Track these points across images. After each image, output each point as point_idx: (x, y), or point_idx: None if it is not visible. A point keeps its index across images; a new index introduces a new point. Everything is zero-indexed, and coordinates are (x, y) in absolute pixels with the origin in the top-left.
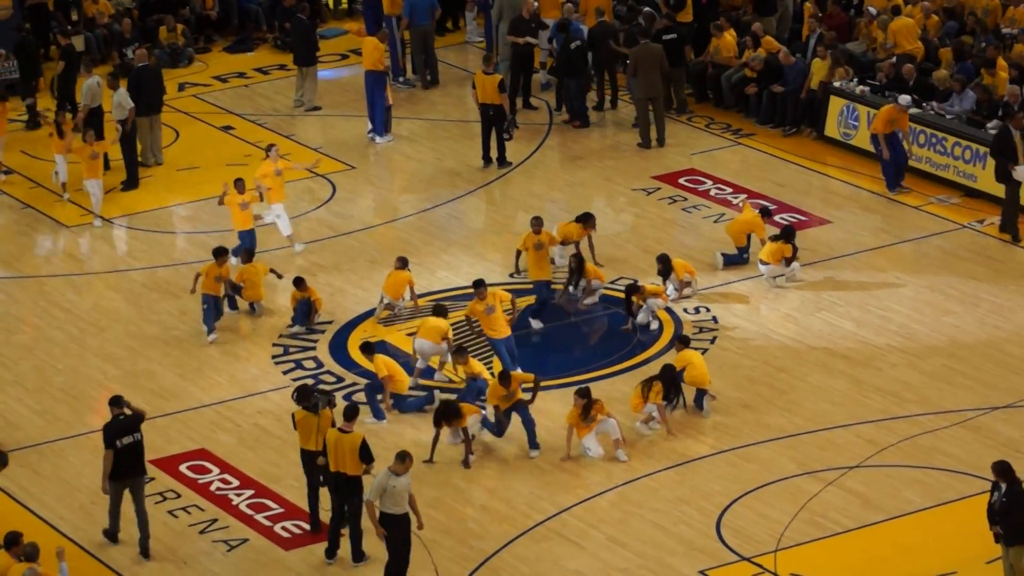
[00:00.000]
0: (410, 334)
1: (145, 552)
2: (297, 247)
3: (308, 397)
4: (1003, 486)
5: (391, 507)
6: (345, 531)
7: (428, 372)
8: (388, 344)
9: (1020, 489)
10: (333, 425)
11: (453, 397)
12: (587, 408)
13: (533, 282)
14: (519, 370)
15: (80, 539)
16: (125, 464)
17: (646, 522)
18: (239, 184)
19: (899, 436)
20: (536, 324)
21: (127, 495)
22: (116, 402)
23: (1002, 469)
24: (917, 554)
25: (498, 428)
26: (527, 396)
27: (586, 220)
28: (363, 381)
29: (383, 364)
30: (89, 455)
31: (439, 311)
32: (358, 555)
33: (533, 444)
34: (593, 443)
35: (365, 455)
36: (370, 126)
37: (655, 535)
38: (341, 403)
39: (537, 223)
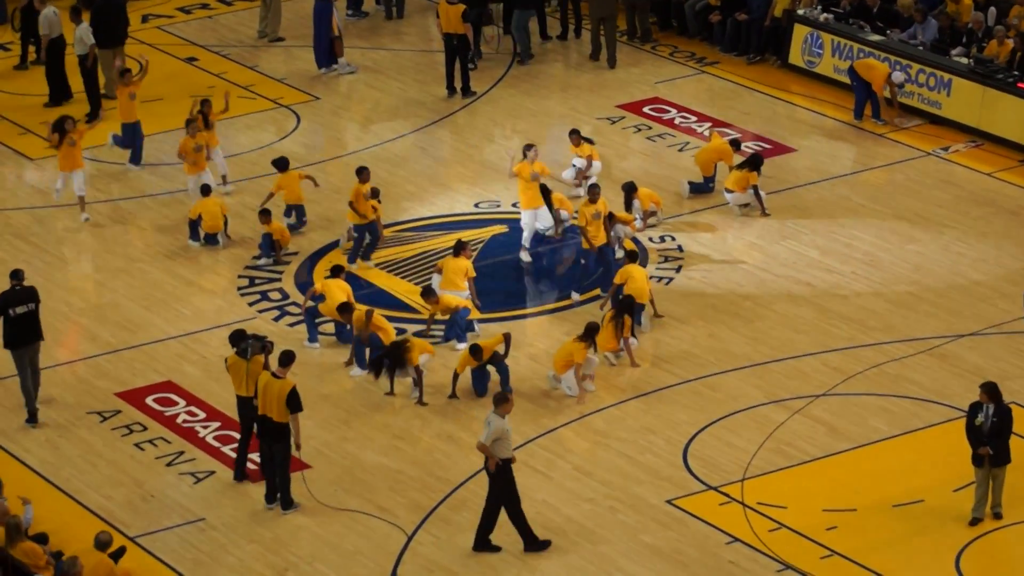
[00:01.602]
0: (377, 265)
1: (32, 417)
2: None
3: (239, 342)
4: (990, 407)
5: (504, 452)
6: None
7: (469, 324)
8: (354, 275)
9: (1008, 409)
10: (267, 368)
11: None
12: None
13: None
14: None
15: (46, 472)
16: (21, 332)
17: (612, 452)
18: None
19: (865, 364)
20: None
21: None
22: (15, 275)
23: (991, 390)
24: (884, 482)
25: (480, 386)
26: (501, 349)
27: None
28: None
29: (332, 287)
30: (56, 389)
31: (459, 248)
32: (287, 503)
33: (508, 391)
34: (573, 381)
35: (293, 403)
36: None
37: (621, 465)
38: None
39: (594, 192)
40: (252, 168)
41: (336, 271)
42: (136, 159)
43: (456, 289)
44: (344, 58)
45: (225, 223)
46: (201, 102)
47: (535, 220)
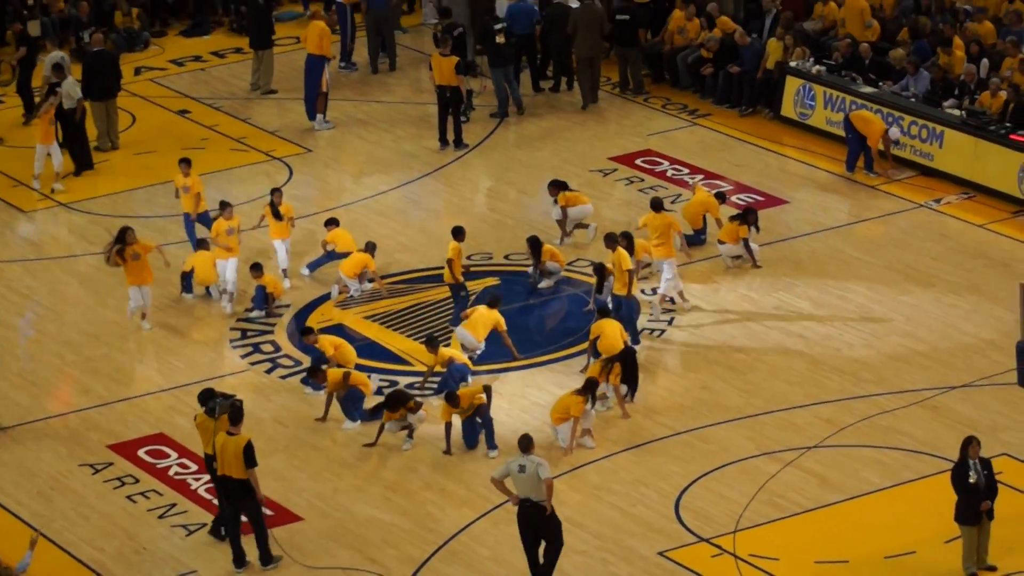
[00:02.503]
0: (369, 317)
1: None
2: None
3: (207, 400)
4: (978, 462)
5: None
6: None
7: (463, 377)
8: (345, 328)
9: (988, 460)
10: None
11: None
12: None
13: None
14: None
15: (39, 524)
16: None
17: (605, 504)
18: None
19: (857, 416)
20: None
21: None
22: None
23: (978, 444)
24: (876, 534)
25: (470, 439)
26: (482, 399)
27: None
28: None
29: (328, 343)
30: (49, 441)
31: (495, 302)
32: (266, 558)
33: (491, 445)
34: (567, 433)
35: (249, 459)
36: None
37: (614, 517)
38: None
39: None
40: (245, 221)
41: (306, 331)
42: None
43: (477, 338)
44: (323, 115)
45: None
46: (272, 191)
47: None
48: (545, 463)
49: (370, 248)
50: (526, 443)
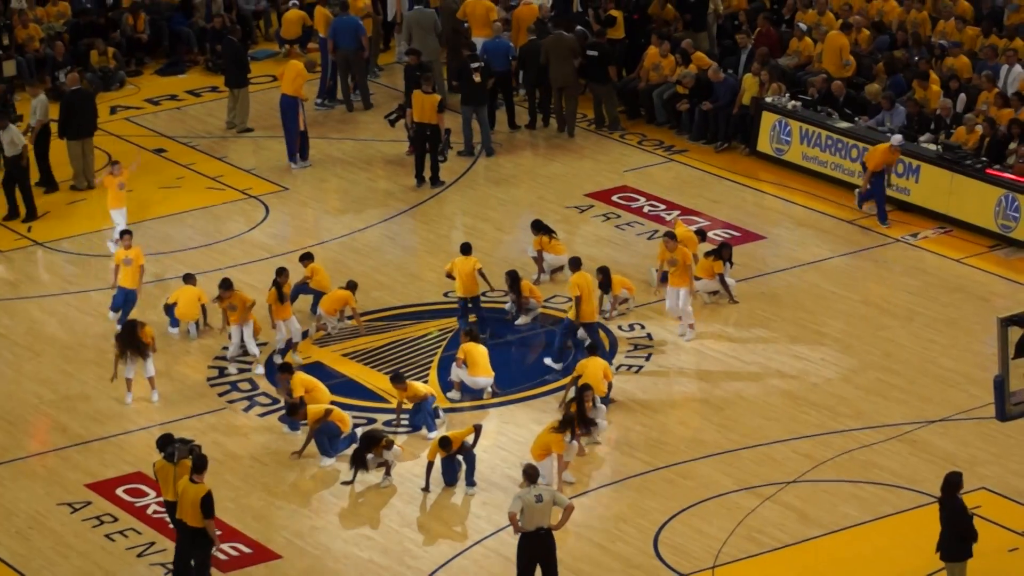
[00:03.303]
0: (347, 355)
1: None
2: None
3: (165, 446)
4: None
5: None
6: None
7: (435, 411)
8: (323, 365)
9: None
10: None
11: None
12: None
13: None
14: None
15: (17, 564)
16: None
17: (583, 540)
18: None
19: (835, 451)
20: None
21: None
22: None
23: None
24: (854, 569)
25: (449, 476)
26: (470, 440)
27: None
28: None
29: (300, 383)
30: (26, 480)
31: (475, 336)
32: None
33: (470, 482)
34: (548, 468)
35: (206, 509)
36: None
37: (592, 553)
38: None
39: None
40: (220, 259)
41: (283, 368)
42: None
43: (486, 375)
44: (299, 155)
45: (204, 313)
46: (277, 271)
47: None
48: (556, 490)
49: (351, 287)
50: (533, 472)
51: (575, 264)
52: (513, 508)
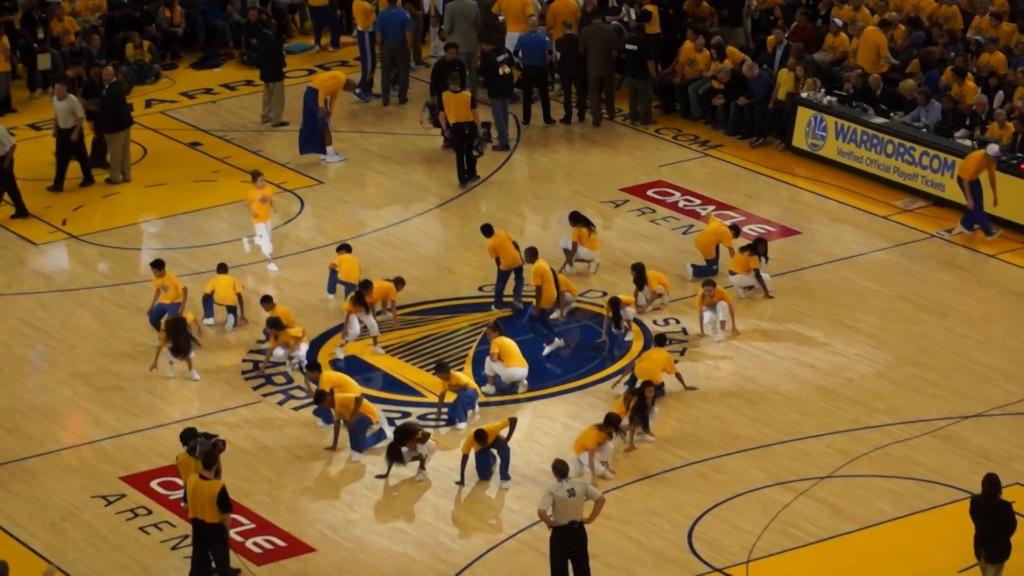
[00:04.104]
0: (388, 349)
1: None
2: (272, 268)
3: (188, 439)
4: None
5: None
6: None
7: (472, 404)
8: (357, 358)
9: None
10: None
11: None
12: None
13: None
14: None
15: (52, 556)
16: None
17: (617, 534)
18: None
19: (870, 446)
20: None
21: None
22: None
23: None
24: (889, 564)
25: (484, 470)
26: (505, 433)
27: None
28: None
29: (328, 380)
30: (61, 472)
31: (501, 329)
32: None
33: (505, 475)
34: (587, 460)
35: (223, 504)
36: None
37: (627, 547)
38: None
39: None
40: (255, 253)
41: (312, 367)
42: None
43: (522, 365)
44: (332, 146)
45: (240, 303)
46: (361, 284)
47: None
48: (588, 482)
49: (398, 282)
50: (564, 467)
51: (531, 254)
52: (543, 505)
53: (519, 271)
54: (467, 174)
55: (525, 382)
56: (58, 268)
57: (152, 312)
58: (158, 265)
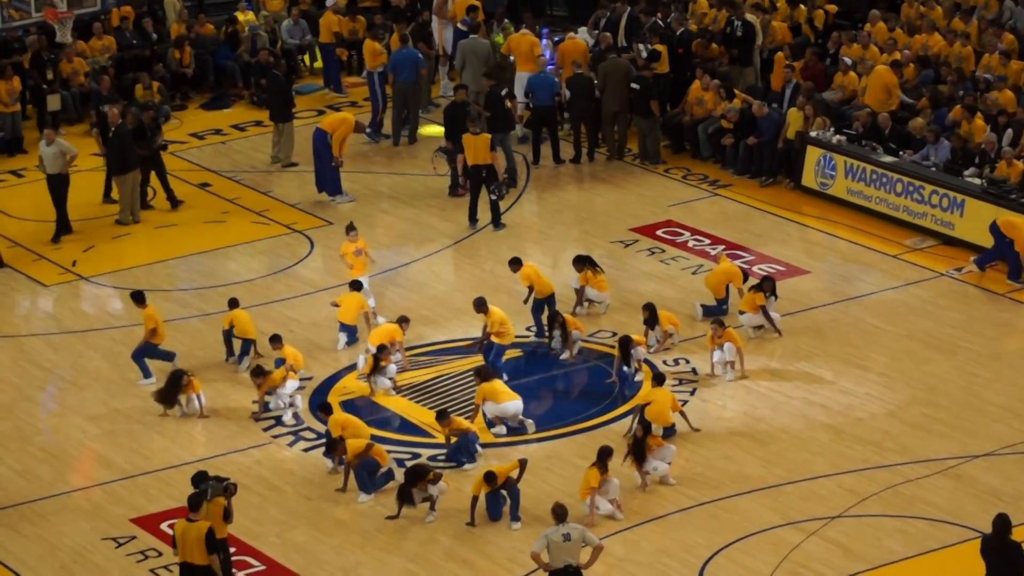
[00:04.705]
0: (398, 390)
1: None
2: (380, 319)
3: (199, 483)
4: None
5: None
6: None
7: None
8: (367, 400)
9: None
10: (226, 515)
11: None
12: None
13: None
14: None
15: None
16: None
17: (627, 574)
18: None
19: (880, 485)
20: None
21: None
22: None
23: None
24: None
25: (494, 511)
26: (515, 475)
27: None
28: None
29: (336, 423)
30: (71, 514)
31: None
32: None
33: (515, 516)
34: (600, 503)
35: (210, 544)
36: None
37: None
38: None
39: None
40: (266, 294)
41: (323, 408)
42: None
43: (513, 399)
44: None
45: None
46: (378, 349)
47: None
48: (585, 528)
49: (402, 322)
50: (562, 512)
51: (480, 305)
52: (536, 548)
53: (552, 299)
54: (493, 224)
55: (531, 421)
56: (68, 310)
57: (137, 351)
58: (138, 298)
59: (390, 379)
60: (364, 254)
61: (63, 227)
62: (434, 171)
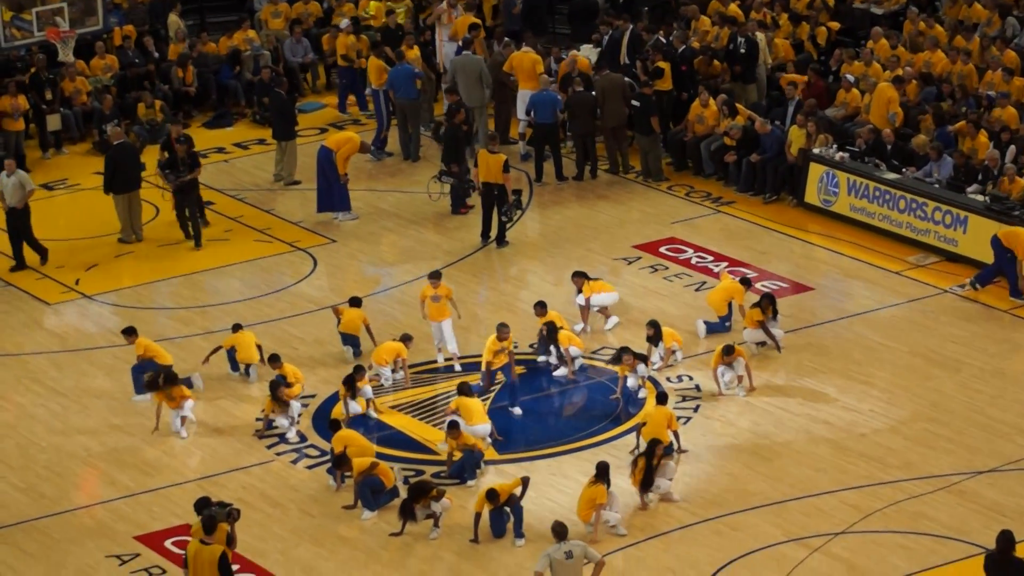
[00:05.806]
0: (394, 406)
1: None
2: (457, 367)
3: (202, 509)
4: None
5: None
6: None
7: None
8: (370, 417)
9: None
10: (229, 541)
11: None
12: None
13: None
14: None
15: None
16: None
17: None
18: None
19: (884, 501)
20: None
21: None
22: None
23: None
24: None
25: (497, 528)
26: (518, 492)
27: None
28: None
29: (340, 440)
30: (75, 532)
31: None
32: None
33: (519, 533)
34: (609, 517)
35: (224, 570)
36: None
37: None
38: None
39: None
40: (268, 312)
41: (332, 425)
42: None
43: (483, 422)
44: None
45: (260, 353)
46: (356, 369)
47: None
48: (587, 545)
49: (406, 339)
50: (563, 529)
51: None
52: (540, 567)
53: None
54: (497, 241)
55: (488, 439)
56: (70, 328)
57: (134, 369)
58: (129, 332)
59: (368, 400)
60: (443, 300)
61: (20, 261)
62: (429, 197)
